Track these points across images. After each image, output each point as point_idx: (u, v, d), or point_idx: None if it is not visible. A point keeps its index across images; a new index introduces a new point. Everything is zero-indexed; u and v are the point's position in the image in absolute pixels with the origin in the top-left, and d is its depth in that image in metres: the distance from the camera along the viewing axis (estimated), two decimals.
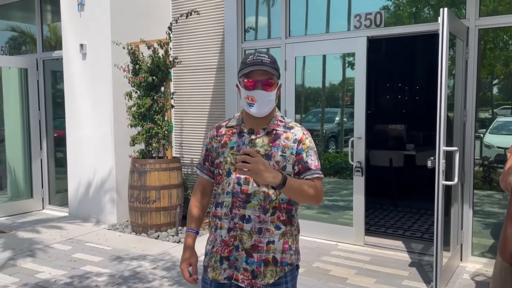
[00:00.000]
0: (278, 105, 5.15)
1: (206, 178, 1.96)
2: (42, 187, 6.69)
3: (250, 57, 1.77)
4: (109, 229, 5.50)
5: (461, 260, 4.23)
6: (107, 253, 4.60)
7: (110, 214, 5.74)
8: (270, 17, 5.48)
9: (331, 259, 4.37)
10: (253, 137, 1.79)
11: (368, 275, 3.98)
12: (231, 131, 1.87)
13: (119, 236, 5.24)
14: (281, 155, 1.77)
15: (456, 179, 3.54)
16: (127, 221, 5.60)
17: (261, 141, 1.80)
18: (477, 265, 4.15)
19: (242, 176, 1.76)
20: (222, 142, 1.85)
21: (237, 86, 1.87)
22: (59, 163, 6.79)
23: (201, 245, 1.96)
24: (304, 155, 1.80)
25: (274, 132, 1.82)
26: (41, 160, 6.66)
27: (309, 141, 1.83)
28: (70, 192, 6.13)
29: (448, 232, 3.96)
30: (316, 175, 1.80)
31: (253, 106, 1.76)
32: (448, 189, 3.86)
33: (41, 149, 6.64)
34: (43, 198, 6.69)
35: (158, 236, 5.09)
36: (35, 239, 5.10)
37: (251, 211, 1.77)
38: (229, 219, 1.80)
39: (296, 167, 1.80)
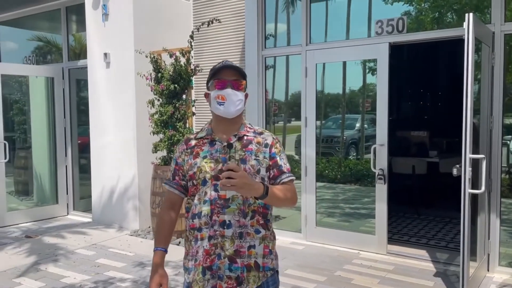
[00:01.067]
0: (298, 113, 5.18)
1: (176, 193, 1.93)
2: (67, 193, 6.82)
3: (219, 63, 1.86)
4: (132, 235, 5.57)
5: (488, 270, 4.12)
6: (130, 259, 4.65)
7: (132, 220, 5.82)
8: (289, 24, 5.50)
9: (353, 268, 4.32)
10: (233, 152, 1.81)
11: (392, 284, 3.91)
12: (201, 141, 1.88)
13: (141, 242, 5.29)
14: (255, 159, 1.82)
15: (483, 188, 3.46)
16: (149, 227, 5.66)
17: (234, 146, 1.83)
18: (504, 275, 4.04)
19: (219, 182, 1.73)
20: (194, 153, 1.86)
21: (205, 95, 1.92)
22: (83, 169, 6.92)
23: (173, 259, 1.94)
24: (278, 158, 1.86)
25: (245, 137, 1.86)
26: (66, 166, 6.80)
27: (279, 145, 1.90)
28: (94, 198, 6.24)
29: (474, 242, 3.86)
30: (291, 178, 1.87)
31: (223, 104, 1.80)
32: (474, 198, 3.77)
33: (66, 155, 6.79)
34: (67, 204, 6.83)
35: (180, 242, 5.13)
36: (60, 244, 5.21)
37: (231, 215, 1.78)
38: (209, 226, 1.79)
39: (271, 171, 1.85)
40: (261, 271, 1.82)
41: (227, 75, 1.82)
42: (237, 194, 1.77)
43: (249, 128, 1.90)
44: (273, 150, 1.86)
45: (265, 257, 1.83)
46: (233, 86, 1.81)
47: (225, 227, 1.77)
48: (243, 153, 1.82)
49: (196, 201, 1.83)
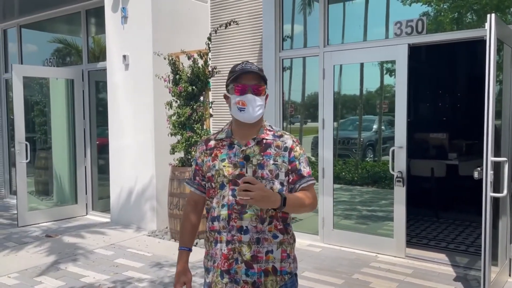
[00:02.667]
0: (315, 115, 5.17)
1: (198, 193, 1.94)
2: (86, 193, 6.93)
3: (239, 65, 1.82)
4: (149, 236, 5.62)
5: (509, 275, 4.04)
6: (148, 259, 4.70)
7: (150, 221, 5.87)
8: (306, 25, 5.49)
9: (371, 271, 4.28)
10: (249, 164, 1.77)
11: None
12: (221, 143, 1.88)
13: (159, 242, 5.34)
14: (273, 164, 1.80)
15: (505, 191, 3.39)
16: (167, 228, 5.71)
17: (252, 150, 1.81)
18: None
19: (237, 188, 1.72)
20: (213, 155, 1.86)
21: (225, 96, 1.89)
22: (101, 170, 7.02)
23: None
24: (297, 163, 1.84)
25: (264, 141, 1.84)
26: (85, 167, 6.91)
27: (299, 148, 1.87)
28: (112, 199, 6.32)
29: (496, 246, 3.79)
30: (310, 182, 1.85)
31: (243, 110, 1.79)
32: (495, 201, 3.71)
33: (85, 156, 6.90)
34: (86, 204, 6.93)
35: (197, 243, 5.15)
36: (79, 244, 5.29)
37: (248, 221, 1.77)
38: (227, 231, 1.79)
39: (290, 176, 1.83)
40: (279, 275, 1.81)
41: (248, 80, 1.79)
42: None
43: (269, 130, 1.88)
44: (293, 154, 1.84)
45: (283, 261, 1.82)
46: (253, 91, 1.79)
47: (242, 232, 1.77)
48: (261, 158, 1.80)
49: (214, 204, 1.84)
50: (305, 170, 1.85)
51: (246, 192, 1.60)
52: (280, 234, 1.82)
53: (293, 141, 1.87)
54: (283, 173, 1.81)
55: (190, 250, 1.96)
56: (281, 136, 1.87)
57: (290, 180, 1.83)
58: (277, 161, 1.80)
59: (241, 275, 1.78)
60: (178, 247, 1.96)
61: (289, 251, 1.85)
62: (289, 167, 1.82)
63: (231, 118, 1.91)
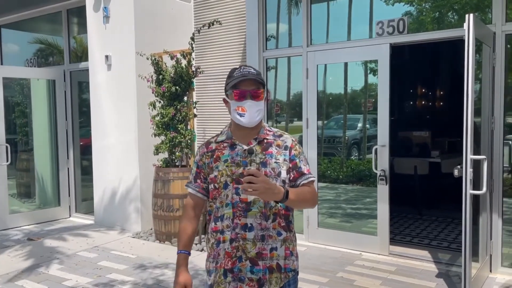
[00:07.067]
0: (300, 114, 5.18)
1: (199, 196, 1.95)
2: (69, 195, 6.84)
3: (236, 70, 1.86)
4: (134, 237, 5.57)
5: (490, 271, 4.11)
6: (132, 261, 4.66)
7: (134, 222, 5.82)
8: (291, 25, 5.50)
9: (355, 269, 4.31)
10: (254, 157, 1.83)
11: (394, 286, 3.90)
12: (222, 145, 1.91)
13: (143, 244, 5.30)
14: (275, 162, 1.85)
15: (484, 188, 3.45)
16: (151, 229, 5.67)
17: (254, 150, 1.85)
18: (507, 276, 4.02)
19: (240, 186, 1.76)
20: (215, 156, 1.89)
21: (224, 100, 1.93)
22: (85, 171, 6.94)
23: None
24: (297, 160, 1.89)
25: (265, 141, 1.88)
26: (68, 169, 6.82)
27: (298, 147, 1.94)
28: (96, 201, 6.25)
29: (476, 242, 3.85)
30: (311, 179, 1.89)
31: (243, 116, 1.82)
32: (476, 198, 3.77)
33: (68, 158, 6.81)
34: (69, 206, 6.84)
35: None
36: (62, 247, 5.21)
37: (253, 219, 1.80)
38: (231, 229, 1.81)
39: (291, 173, 1.88)
40: (283, 272, 1.84)
41: (246, 85, 1.83)
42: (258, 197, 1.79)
43: (269, 131, 1.93)
44: (293, 152, 1.89)
45: (287, 259, 1.86)
46: (252, 96, 1.82)
47: (247, 230, 1.80)
48: (264, 156, 1.84)
49: (218, 204, 1.87)
50: (305, 167, 1.90)
51: (250, 184, 1.62)
52: (283, 231, 1.86)
53: (292, 140, 1.93)
54: (284, 171, 1.85)
55: (189, 253, 1.96)
56: (280, 135, 1.93)
57: (291, 178, 1.88)
58: (278, 160, 1.85)
59: (245, 272, 1.80)
60: (177, 251, 1.95)
61: (291, 248, 1.89)
62: (290, 165, 1.87)
63: (230, 120, 1.95)
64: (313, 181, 1.90)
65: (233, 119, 1.88)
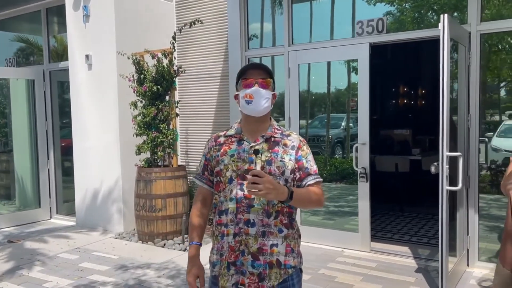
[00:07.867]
0: (282, 112, 5.21)
1: (206, 188, 2.00)
2: (50, 197, 6.75)
3: (246, 64, 1.89)
4: (116, 238, 5.53)
5: (467, 265, 4.20)
6: (114, 262, 4.63)
7: (117, 223, 5.78)
8: (274, 24, 5.52)
9: (337, 266, 4.36)
10: (259, 157, 1.85)
11: (374, 281, 3.96)
12: (230, 139, 1.94)
13: (126, 244, 5.27)
14: (280, 161, 1.86)
15: (460, 185, 3.53)
16: (134, 229, 5.63)
17: (261, 147, 1.88)
18: (484, 270, 4.11)
19: (245, 182, 1.79)
20: (222, 150, 1.92)
21: (235, 97, 1.96)
22: (66, 172, 6.85)
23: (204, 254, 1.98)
24: (304, 161, 1.90)
25: (272, 139, 1.90)
26: (49, 170, 6.73)
27: (306, 147, 1.94)
28: (77, 202, 6.18)
29: (454, 238, 3.93)
30: (317, 180, 1.90)
31: (251, 103, 1.85)
32: (453, 194, 3.85)
33: (48, 159, 6.72)
34: (50, 208, 6.75)
35: (165, 244, 5.11)
36: (42, 249, 5.15)
37: (255, 215, 1.83)
38: (234, 224, 1.85)
39: (297, 174, 1.88)
40: (283, 268, 1.86)
41: (254, 75, 1.87)
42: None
43: (277, 129, 1.94)
44: (300, 152, 1.90)
45: (287, 255, 1.87)
46: (260, 84, 1.86)
47: (249, 225, 1.83)
48: (269, 155, 1.86)
49: (222, 198, 1.89)
50: (312, 168, 1.91)
51: (254, 184, 1.63)
52: (285, 228, 1.87)
53: (300, 140, 1.93)
54: (288, 171, 1.86)
55: (200, 244, 1.98)
56: (289, 135, 1.94)
57: (297, 178, 1.89)
58: (284, 159, 1.86)
59: (247, 266, 1.83)
60: (189, 242, 1.98)
61: (293, 245, 1.90)
62: (296, 165, 1.88)
63: (240, 116, 1.98)
64: (319, 181, 1.91)
65: (241, 110, 1.91)
